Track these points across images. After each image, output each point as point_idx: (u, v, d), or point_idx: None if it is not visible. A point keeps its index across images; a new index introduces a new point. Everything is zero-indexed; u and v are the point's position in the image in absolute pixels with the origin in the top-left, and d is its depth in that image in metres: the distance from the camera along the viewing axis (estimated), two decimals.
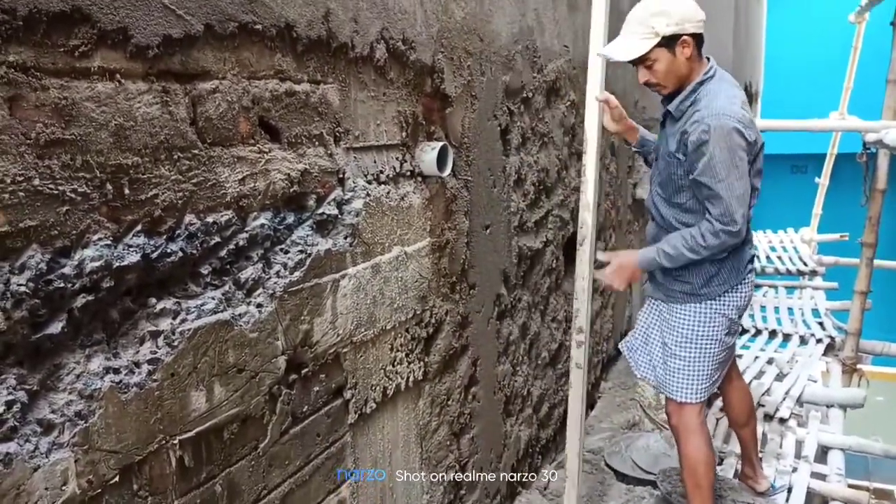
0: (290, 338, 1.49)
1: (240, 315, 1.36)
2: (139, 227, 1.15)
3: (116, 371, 1.12)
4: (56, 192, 1.01)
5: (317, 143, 1.55)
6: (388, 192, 1.83)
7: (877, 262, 5.03)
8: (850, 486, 3.47)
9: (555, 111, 3.02)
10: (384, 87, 1.79)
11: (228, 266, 1.35)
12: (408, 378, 1.97)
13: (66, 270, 1.04)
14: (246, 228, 1.38)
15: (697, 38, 2.19)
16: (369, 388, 1.79)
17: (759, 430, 3.64)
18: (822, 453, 3.63)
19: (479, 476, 2.46)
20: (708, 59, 2.28)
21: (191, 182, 1.25)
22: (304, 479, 1.58)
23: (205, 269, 1.30)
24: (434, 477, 2.17)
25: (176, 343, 1.22)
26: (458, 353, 2.26)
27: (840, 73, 8.26)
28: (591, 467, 3.22)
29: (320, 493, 1.64)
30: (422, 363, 2.05)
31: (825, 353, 5.03)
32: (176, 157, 1.21)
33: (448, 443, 2.24)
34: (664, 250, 2.27)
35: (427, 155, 1.96)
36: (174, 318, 1.23)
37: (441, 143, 1.98)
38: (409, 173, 1.93)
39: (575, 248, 3.42)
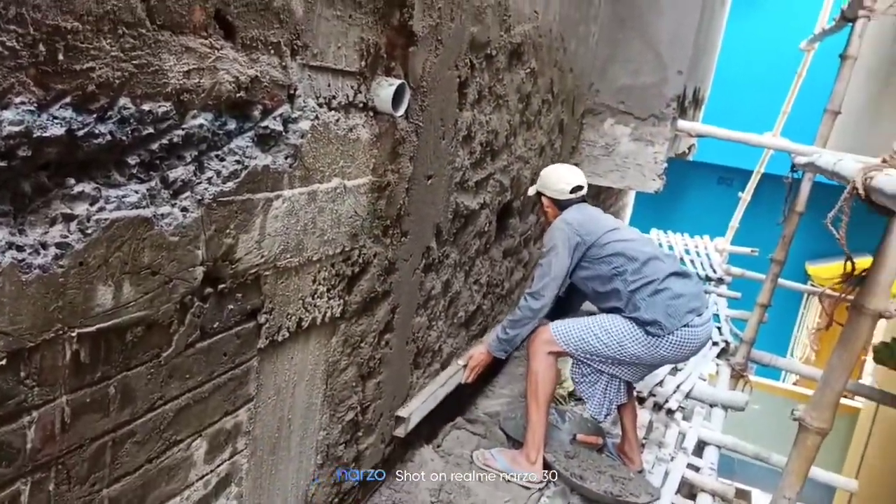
0: (211, 249, 1.42)
1: (162, 215, 1.28)
2: (68, 100, 1.05)
3: (20, 248, 1.03)
4: None
5: (272, 51, 1.47)
6: (338, 120, 1.76)
7: (780, 280, 5.30)
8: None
9: (514, 75, 2.99)
10: (351, 10, 1.71)
11: (158, 162, 1.26)
12: (325, 313, 1.93)
13: None
14: (183, 125, 1.30)
15: (554, 200, 3.07)
16: (285, 317, 1.75)
17: (647, 418, 3.82)
18: (700, 448, 3.85)
19: (379, 421, 2.47)
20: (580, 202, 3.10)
21: (132, 63, 1.15)
22: (202, 396, 1.53)
23: (132, 160, 1.21)
24: (335, 415, 2.15)
25: (90, 231, 1.14)
26: (379, 297, 2.24)
27: (780, 97, 8.58)
28: (485, 429, 3.29)
29: (217, 413, 1.60)
30: (342, 301, 2.01)
31: (718, 356, 5.30)
32: (120, 31, 1.11)
33: (354, 384, 2.22)
34: (500, 328, 3.06)
35: (384, 90, 1.89)
36: (91, 205, 1.14)
37: (399, 81, 1.91)
38: (361, 105, 1.86)
39: (509, 216, 3.45)
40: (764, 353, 5.34)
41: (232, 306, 1.54)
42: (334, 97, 1.73)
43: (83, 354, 1.19)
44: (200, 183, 1.36)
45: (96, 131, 1.11)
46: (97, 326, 1.20)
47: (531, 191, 3.19)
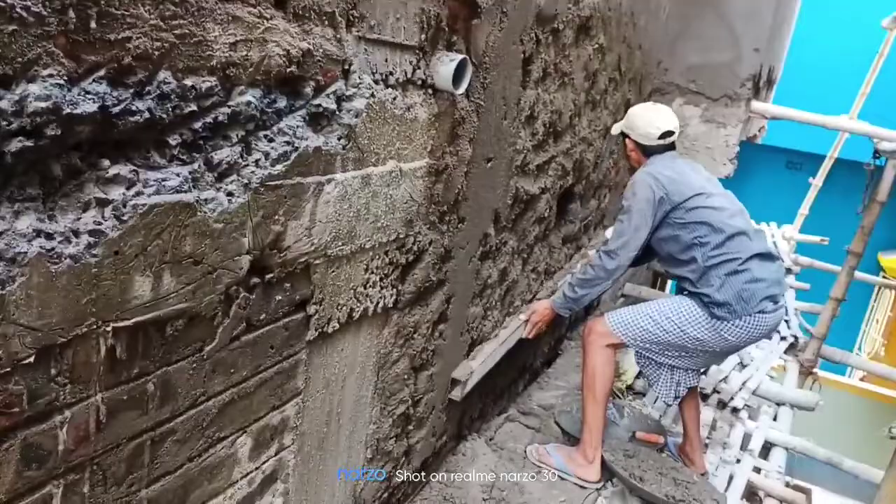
0: (258, 237, 1.32)
1: (206, 200, 1.18)
2: (102, 73, 0.95)
3: (50, 236, 0.94)
4: (3, 3, 0.81)
5: (326, 22, 1.34)
6: (395, 99, 1.64)
7: (856, 273, 4.99)
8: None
9: (581, 51, 2.81)
10: None
11: (202, 142, 1.16)
12: (377, 303, 1.82)
13: (2, 105, 0.84)
14: (229, 102, 1.19)
15: (639, 145, 2.79)
16: (335, 307, 1.64)
17: (711, 416, 3.63)
18: (766, 449, 3.64)
19: (430, 414, 2.36)
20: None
21: (173, 32, 1.05)
22: (247, 391, 1.44)
23: (173, 140, 1.11)
24: (385, 408, 2.06)
25: (126, 217, 1.05)
26: (434, 286, 2.12)
27: (856, 78, 8.07)
28: (539, 423, 3.17)
29: (263, 408, 1.51)
30: (395, 290, 1.90)
31: (786, 351, 5.04)
32: None
33: (406, 377, 2.12)
34: (567, 284, 2.82)
35: (444, 66, 1.76)
36: (128, 189, 1.05)
37: (461, 56, 1.77)
38: (420, 82, 1.73)
39: (569, 201, 3.28)
40: (835, 350, 5.06)
41: (280, 297, 1.45)
42: (391, 73, 1.60)
43: (119, 350, 1.11)
44: (247, 165, 1.26)
45: (133, 108, 1.01)
46: (135, 320, 1.11)
47: (615, 129, 2.89)
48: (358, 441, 1.98)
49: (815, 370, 4.97)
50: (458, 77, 1.78)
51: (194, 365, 1.28)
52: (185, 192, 1.14)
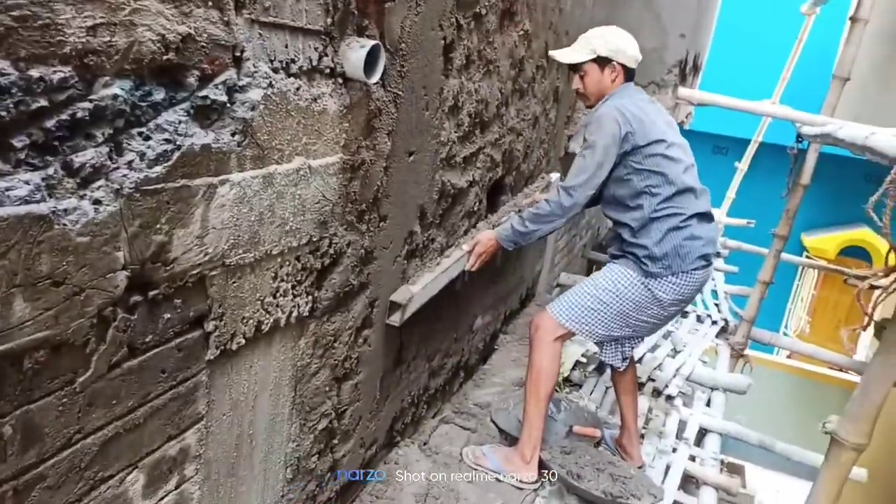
0: (137, 249, 1.15)
1: (65, 210, 1.01)
2: None
3: None
4: None
5: (210, 3, 1.18)
6: (298, 89, 1.48)
7: (782, 255, 5.09)
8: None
9: (506, 37, 2.70)
10: None
11: (57, 143, 0.99)
12: (290, 313, 1.67)
13: None
14: (91, 96, 1.02)
15: (627, 70, 2.60)
16: (239, 321, 1.49)
17: (646, 405, 3.62)
18: (701, 435, 3.65)
19: (357, 425, 2.23)
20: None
21: (9, 14, 0.88)
22: (136, 423, 1.27)
23: (19, 142, 0.94)
24: (305, 424, 1.91)
25: None
26: (355, 290, 1.98)
27: (777, 63, 8.27)
28: (476, 423, 3.07)
29: (157, 439, 1.35)
30: (310, 297, 1.75)
31: (717, 335, 5.11)
32: None
33: (327, 388, 1.97)
34: (517, 218, 2.61)
35: (355, 53, 1.61)
36: None
37: (373, 42, 1.63)
38: (328, 71, 1.58)
39: (500, 193, 3.19)
40: (764, 332, 5.16)
41: (169, 315, 1.28)
42: (293, 61, 1.45)
43: None
44: (118, 168, 1.09)
45: None
46: None
47: (578, 55, 2.60)
48: (276, 462, 1.82)
49: (745, 352, 5.05)
50: (370, 65, 1.64)
51: (64, 400, 1.11)
52: (38, 202, 0.97)
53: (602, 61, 2.58)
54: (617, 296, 2.54)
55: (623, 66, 2.58)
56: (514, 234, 2.61)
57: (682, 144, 2.58)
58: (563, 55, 2.65)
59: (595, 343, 2.78)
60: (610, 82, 2.60)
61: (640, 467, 2.94)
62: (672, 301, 2.55)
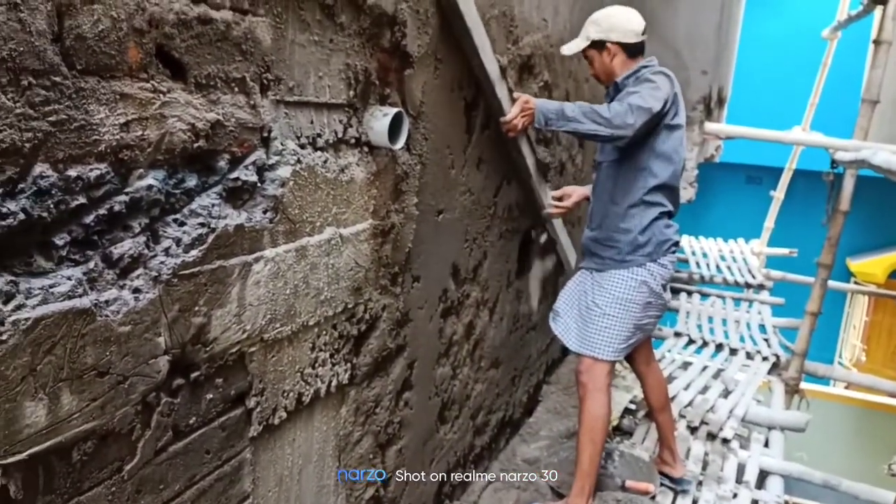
0: (177, 333, 1.17)
1: (106, 302, 1.04)
2: None
3: None
4: None
5: (236, 89, 1.23)
6: (326, 161, 1.52)
7: (829, 282, 4.94)
8: None
9: (527, 90, 2.73)
10: (332, 33, 1.47)
11: (96, 237, 1.02)
12: (330, 382, 1.67)
13: None
14: (126, 189, 1.06)
15: (625, 46, 2.46)
16: (280, 395, 1.49)
17: (702, 449, 3.49)
18: (761, 476, 3.50)
19: (404, 492, 2.19)
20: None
21: (46, 120, 0.92)
22: None
23: (60, 239, 0.97)
24: (352, 494, 1.89)
25: (5, 337, 0.90)
26: (392, 354, 1.97)
27: (805, 89, 8.21)
28: (524, 480, 2.99)
29: None
30: (349, 365, 1.75)
31: (769, 372, 4.94)
32: (26, 82, 0.88)
33: (371, 456, 1.95)
34: (568, 106, 2.30)
35: (378, 122, 1.65)
36: (5, 303, 0.90)
37: (396, 110, 1.67)
38: (353, 141, 1.61)
39: (530, 245, 3.18)
40: (818, 365, 4.98)
41: (211, 395, 1.29)
42: (319, 135, 1.48)
43: (14, 489, 0.95)
44: (155, 256, 1.12)
45: (4, 210, 0.88)
46: (30, 451, 0.95)
47: (576, 45, 2.50)
48: None
49: (800, 387, 4.87)
50: (394, 131, 1.68)
51: (113, 489, 1.12)
52: (80, 296, 1.00)
53: (598, 45, 2.47)
54: (617, 300, 2.50)
55: (619, 43, 2.43)
56: (554, 114, 2.27)
57: (682, 139, 2.59)
58: (566, 48, 2.58)
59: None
60: (610, 63, 2.47)
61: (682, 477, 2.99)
62: (662, 286, 2.56)
